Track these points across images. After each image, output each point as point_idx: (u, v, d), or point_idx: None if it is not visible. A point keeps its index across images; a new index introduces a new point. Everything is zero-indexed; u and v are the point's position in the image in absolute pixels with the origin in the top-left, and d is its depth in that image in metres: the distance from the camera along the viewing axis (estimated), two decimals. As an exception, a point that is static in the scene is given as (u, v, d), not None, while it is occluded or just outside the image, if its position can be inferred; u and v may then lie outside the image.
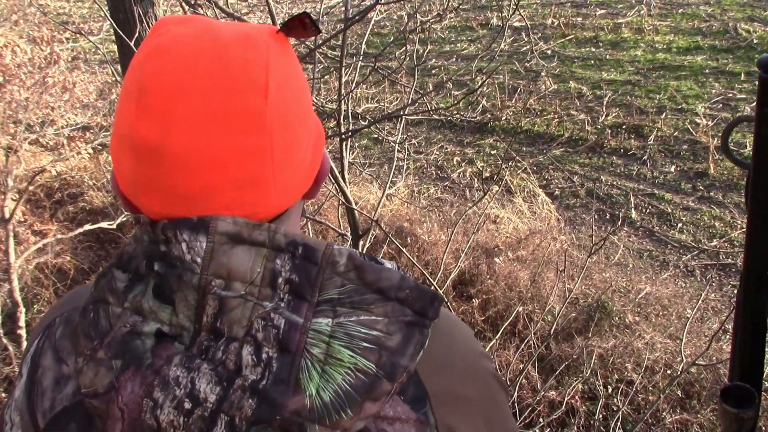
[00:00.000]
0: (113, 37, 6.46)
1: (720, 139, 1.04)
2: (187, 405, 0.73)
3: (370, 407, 0.75)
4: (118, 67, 5.15)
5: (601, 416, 4.63)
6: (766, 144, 0.92)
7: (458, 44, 11.14)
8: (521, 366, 4.52)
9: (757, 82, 0.92)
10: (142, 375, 0.75)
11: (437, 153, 8.67)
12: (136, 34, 3.06)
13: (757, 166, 0.94)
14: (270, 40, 0.82)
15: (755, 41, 9.17)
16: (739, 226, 6.38)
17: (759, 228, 1.00)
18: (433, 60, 10.56)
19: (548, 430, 4.44)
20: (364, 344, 0.75)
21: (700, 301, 4.91)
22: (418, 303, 0.79)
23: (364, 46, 3.38)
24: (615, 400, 4.69)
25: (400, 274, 0.81)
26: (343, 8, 2.70)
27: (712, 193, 7.03)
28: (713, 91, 8.48)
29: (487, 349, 4.14)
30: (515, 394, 4.03)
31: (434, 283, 3.10)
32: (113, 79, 9.22)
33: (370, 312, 0.77)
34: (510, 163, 7.95)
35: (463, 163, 8.37)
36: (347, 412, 0.74)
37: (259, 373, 0.74)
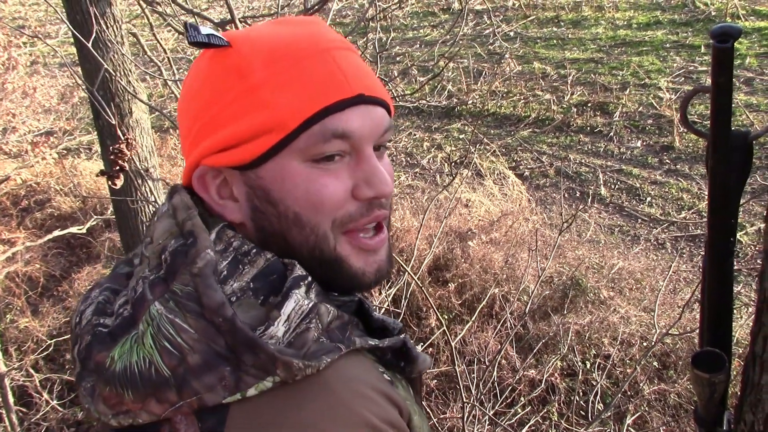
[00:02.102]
0: (72, 40, 6.37)
1: (679, 110, 1.06)
2: (77, 319, 0.90)
3: (155, 407, 0.77)
4: (79, 70, 5.06)
5: (580, 391, 4.68)
6: (722, 113, 0.93)
7: (421, 30, 11.12)
8: (499, 346, 4.55)
9: (711, 53, 0.94)
10: (90, 288, 0.96)
11: (406, 140, 8.67)
12: (93, 35, 3.02)
13: (715, 135, 0.95)
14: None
15: (713, 13, 9.28)
16: (706, 197, 6.46)
17: (719, 196, 1.02)
18: (397, 47, 10.54)
19: (529, 408, 4.48)
20: (166, 343, 0.77)
21: (670, 272, 4.98)
22: (230, 338, 0.76)
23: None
24: (593, 374, 4.74)
25: (222, 301, 0.76)
26: (303, -1, 2.69)
27: (678, 166, 7.11)
28: (675, 64, 8.57)
29: (463, 331, 4.19)
30: (494, 374, 4.07)
31: (409, 270, 3.11)
32: (74, 82, 9.10)
33: (185, 319, 0.77)
34: (479, 147, 7.98)
35: (433, 149, 8.38)
36: (129, 393, 0.78)
37: (111, 322, 0.86)
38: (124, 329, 0.83)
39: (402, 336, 0.93)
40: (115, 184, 2.24)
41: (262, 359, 0.75)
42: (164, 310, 0.79)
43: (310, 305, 0.81)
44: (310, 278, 0.85)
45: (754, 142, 1.02)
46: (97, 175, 2.37)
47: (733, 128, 0.97)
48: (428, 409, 4.12)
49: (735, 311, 4.77)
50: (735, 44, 0.89)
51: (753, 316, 1.19)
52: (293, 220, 0.88)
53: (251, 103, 0.86)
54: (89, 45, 2.65)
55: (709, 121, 0.97)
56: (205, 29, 0.88)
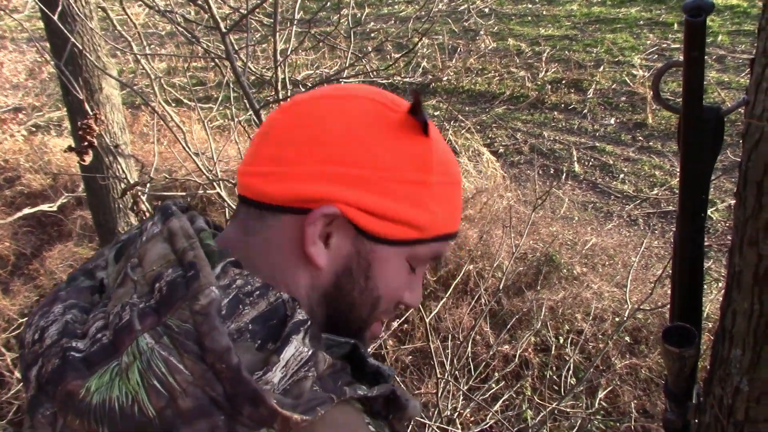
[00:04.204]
0: (40, 14, 6.24)
1: (651, 85, 1.06)
2: (36, 336, 0.83)
3: None
4: (47, 45, 4.97)
5: (554, 366, 4.73)
6: (694, 87, 0.93)
7: (396, 6, 11.06)
8: (474, 322, 4.58)
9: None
10: (48, 301, 0.88)
11: (381, 117, 8.62)
12: (60, 8, 2.95)
13: (687, 108, 0.95)
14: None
15: (687, -9, 9.31)
16: (678, 174, 6.52)
17: (691, 170, 1.02)
18: (371, 23, 10.47)
19: (503, 383, 4.53)
20: (155, 382, 0.72)
21: (642, 249, 5.03)
22: (230, 387, 0.72)
23: (300, 12, 3.33)
24: (566, 349, 4.80)
25: (229, 346, 0.72)
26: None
27: (651, 143, 7.17)
28: (648, 42, 8.61)
29: (438, 308, 4.20)
30: (469, 350, 4.09)
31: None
32: (42, 57, 8.94)
33: (181, 358, 0.73)
34: (453, 123, 7.97)
35: (407, 126, 8.35)
36: (104, 429, 0.72)
37: (85, 346, 0.78)
38: (103, 358, 0.76)
39: (391, 384, 0.92)
40: (84, 160, 2.21)
41: (262, 413, 0.72)
42: (157, 345, 0.74)
43: (310, 352, 0.79)
44: (309, 323, 0.82)
45: (725, 118, 1.02)
46: (65, 151, 2.33)
47: (705, 104, 0.98)
48: (403, 385, 4.14)
49: (705, 286, 4.83)
50: (707, 21, 0.89)
51: (723, 291, 1.20)
52: (372, 300, 0.92)
53: (416, 196, 0.88)
54: (56, 19, 2.59)
55: (681, 98, 0.97)
56: (427, 113, 0.92)
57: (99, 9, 5.15)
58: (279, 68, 2.54)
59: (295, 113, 0.91)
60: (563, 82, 8.39)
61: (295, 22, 3.02)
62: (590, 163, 7.15)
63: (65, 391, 0.74)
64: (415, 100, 0.87)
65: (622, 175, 6.88)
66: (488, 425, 4.04)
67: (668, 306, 1.20)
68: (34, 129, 9.13)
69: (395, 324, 4.68)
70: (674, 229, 1.11)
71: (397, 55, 8.89)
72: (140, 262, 0.84)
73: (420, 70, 9.15)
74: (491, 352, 4.54)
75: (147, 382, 0.72)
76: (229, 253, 0.85)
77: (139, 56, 3.38)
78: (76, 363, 0.76)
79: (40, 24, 8.35)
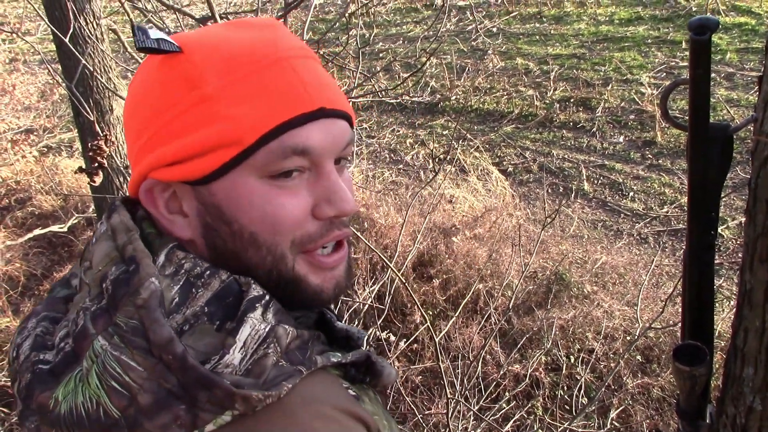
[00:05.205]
0: (52, 37, 6.31)
1: (659, 103, 1.06)
2: (14, 354, 0.84)
3: None
4: (59, 67, 5.02)
5: (565, 386, 4.70)
6: (700, 105, 0.93)
7: (404, 26, 11.12)
8: (484, 342, 4.55)
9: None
10: (26, 317, 0.89)
11: (390, 136, 8.66)
12: (71, 30, 2.98)
13: (693, 126, 0.95)
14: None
15: (694, 9, 9.33)
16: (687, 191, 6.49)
17: (699, 187, 1.01)
18: (380, 43, 10.53)
19: (514, 403, 4.49)
20: (113, 383, 0.72)
21: (652, 267, 5.00)
22: (181, 376, 0.71)
23: (309, 32, 3.35)
24: (577, 369, 4.76)
25: (170, 336, 0.72)
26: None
27: (660, 161, 7.15)
28: (656, 60, 8.61)
29: (447, 327, 4.18)
30: (479, 370, 4.07)
31: (392, 266, 3.10)
32: (54, 79, 9.03)
33: (132, 356, 0.72)
34: (462, 142, 7.98)
35: (416, 145, 8.38)
36: None
37: (53, 357, 0.80)
38: (67, 366, 0.77)
39: (366, 349, 0.89)
40: (94, 181, 2.22)
41: (218, 395, 0.71)
42: (109, 346, 0.73)
43: (267, 329, 0.77)
44: (267, 297, 0.81)
45: (734, 135, 1.02)
46: (75, 172, 2.35)
47: (713, 122, 0.98)
48: (413, 406, 4.12)
49: (716, 304, 4.80)
50: (715, 39, 0.89)
51: (734, 309, 1.19)
52: (249, 240, 0.83)
53: (204, 116, 0.80)
54: (67, 41, 2.62)
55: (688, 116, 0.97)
56: (155, 33, 0.81)
57: (110, 31, 5.21)
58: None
59: None
60: (572, 100, 8.39)
61: (304, 43, 3.04)
62: (599, 182, 7.13)
63: (38, 404, 0.75)
64: (132, 32, 0.81)
65: (631, 193, 6.86)
66: (499, 445, 4.00)
67: (679, 324, 1.20)
68: (45, 150, 9.20)
69: (403, 344, 4.66)
70: (684, 247, 1.10)
71: (405, 75, 8.93)
72: (90, 264, 0.84)
73: (428, 89, 9.19)
74: (502, 372, 4.52)
75: (105, 384, 0.72)
76: (170, 238, 0.84)
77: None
78: (43, 375, 0.77)
79: (52, 46, 8.43)
